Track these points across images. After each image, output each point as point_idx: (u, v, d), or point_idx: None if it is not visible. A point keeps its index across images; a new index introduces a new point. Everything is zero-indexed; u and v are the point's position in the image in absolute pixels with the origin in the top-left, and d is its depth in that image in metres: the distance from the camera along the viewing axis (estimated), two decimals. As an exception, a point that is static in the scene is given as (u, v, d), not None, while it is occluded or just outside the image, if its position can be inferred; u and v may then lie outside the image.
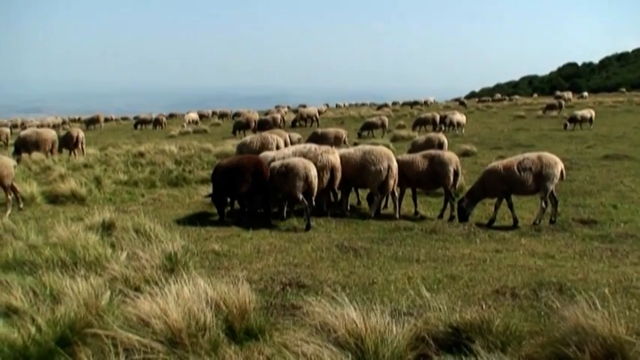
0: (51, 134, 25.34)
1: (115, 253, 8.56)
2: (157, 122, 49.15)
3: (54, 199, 15.54)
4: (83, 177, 17.84)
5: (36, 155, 23.37)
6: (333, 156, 13.27)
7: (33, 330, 5.59)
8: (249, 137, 19.77)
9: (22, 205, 14.54)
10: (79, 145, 26.30)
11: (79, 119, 63.40)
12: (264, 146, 17.76)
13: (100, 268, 7.91)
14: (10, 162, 14.90)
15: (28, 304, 6.45)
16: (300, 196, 12.29)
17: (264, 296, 7.20)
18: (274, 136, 18.63)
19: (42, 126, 40.21)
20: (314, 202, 12.70)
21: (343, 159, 13.41)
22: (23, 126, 47.58)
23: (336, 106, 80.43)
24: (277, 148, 17.58)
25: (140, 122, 50.96)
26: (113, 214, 11.29)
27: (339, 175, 13.20)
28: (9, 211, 13.97)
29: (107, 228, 10.59)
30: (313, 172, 12.40)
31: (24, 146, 24.30)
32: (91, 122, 53.96)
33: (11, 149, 27.13)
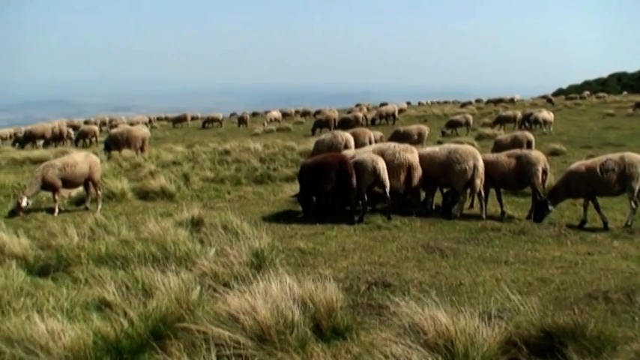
0: (141, 132, 26.01)
1: (204, 248, 8.74)
2: (241, 120, 49.85)
3: (144, 195, 16.00)
4: (172, 174, 18.30)
5: (126, 152, 24.08)
6: (411, 154, 13.34)
7: (125, 324, 5.74)
8: (323, 135, 19.94)
9: (88, 205, 15.01)
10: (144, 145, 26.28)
11: (165, 118, 64.57)
12: (333, 144, 17.81)
13: (190, 263, 8.10)
14: (98, 159, 15.50)
15: (120, 298, 6.65)
16: (364, 192, 12.70)
17: (350, 295, 7.22)
18: (345, 135, 18.62)
19: (131, 124, 41.39)
20: (389, 195, 12.87)
21: (428, 158, 13.36)
22: (112, 124, 48.98)
23: (419, 104, 79.38)
24: (346, 146, 17.57)
25: (208, 121, 51.81)
26: (201, 210, 11.54)
27: (416, 173, 13.25)
28: (99, 206, 14.48)
29: (196, 224, 10.84)
30: (381, 165, 12.63)
31: (115, 144, 25.03)
32: (177, 121, 54.95)
33: (100, 146, 28.04)
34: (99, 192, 14.89)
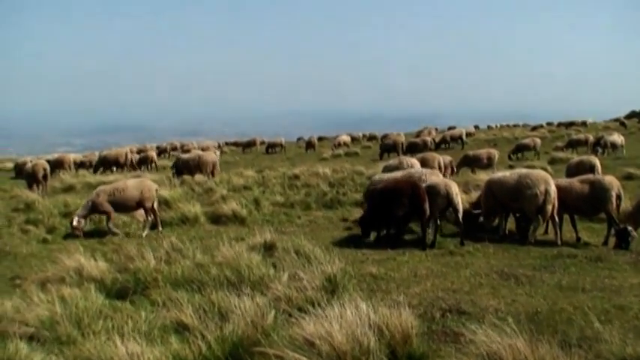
0: (211, 157, 26.55)
1: (277, 273, 8.84)
2: (309, 145, 50.11)
3: (216, 219, 16.28)
4: (243, 198, 18.54)
5: (198, 177, 24.59)
6: (437, 178, 14.18)
7: (203, 347, 5.87)
8: (390, 161, 20.08)
9: (160, 229, 15.37)
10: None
11: (235, 143, 65.19)
12: (398, 169, 17.84)
13: (264, 287, 8.19)
14: (153, 185, 15.92)
15: (197, 321, 6.79)
16: (436, 216, 12.90)
17: (425, 322, 7.18)
18: (411, 160, 18.84)
19: (202, 149, 42.25)
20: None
21: (498, 182, 13.28)
22: (183, 149, 49.93)
23: (488, 127, 78.15)
24: None
25: (271, 146, 52.30)
26: (273, 235, 11.65)
27: None
28: (146, 231, 14.98)
29: (268, 248, 10.97)
30: (454, 190, 12.90)
31: (187, 168, 25.62)
32: (247, 145, 55.69)
33: (163, 172, 28.73)
34: (149, 218, 15.42)
